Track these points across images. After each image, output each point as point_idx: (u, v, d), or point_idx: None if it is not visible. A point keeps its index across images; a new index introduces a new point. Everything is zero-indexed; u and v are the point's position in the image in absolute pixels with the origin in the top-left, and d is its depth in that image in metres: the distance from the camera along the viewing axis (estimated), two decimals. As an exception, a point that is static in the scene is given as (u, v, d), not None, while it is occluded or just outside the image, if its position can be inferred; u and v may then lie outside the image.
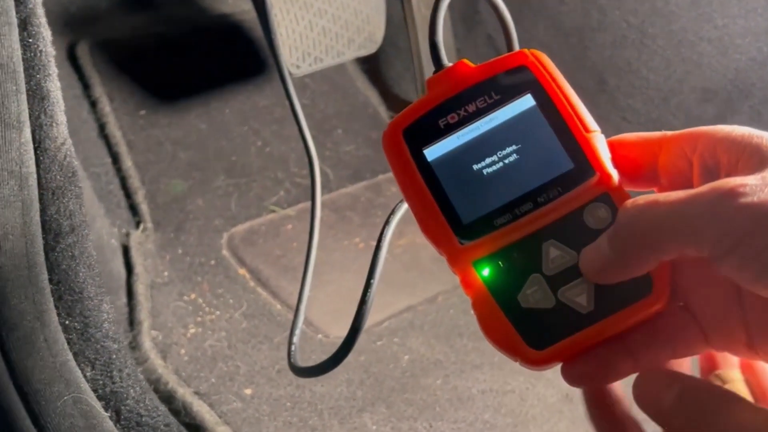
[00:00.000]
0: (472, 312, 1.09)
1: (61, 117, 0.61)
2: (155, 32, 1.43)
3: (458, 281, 0.38)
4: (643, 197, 0.33)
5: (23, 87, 0.57)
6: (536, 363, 0.36)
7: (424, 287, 1.22)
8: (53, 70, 0.60)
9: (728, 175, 0.33)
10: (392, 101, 1.57)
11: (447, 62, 0.41)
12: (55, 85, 0.60)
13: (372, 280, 0.50)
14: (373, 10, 1.31)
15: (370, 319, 1.14)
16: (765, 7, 1.20)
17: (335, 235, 1.31)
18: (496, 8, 0.46)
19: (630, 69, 1.31)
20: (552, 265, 0.37)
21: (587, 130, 0.38)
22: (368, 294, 0.50)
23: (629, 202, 0.33)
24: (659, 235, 0.32)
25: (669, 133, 0.37)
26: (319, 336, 1.12)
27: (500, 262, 0.37)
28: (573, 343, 0.36)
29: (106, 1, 1.43)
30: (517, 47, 0.48)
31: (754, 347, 0.35)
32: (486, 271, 0.37)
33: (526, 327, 0.36)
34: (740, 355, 0.36)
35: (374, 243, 0.49)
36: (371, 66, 1.59)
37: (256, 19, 1.46)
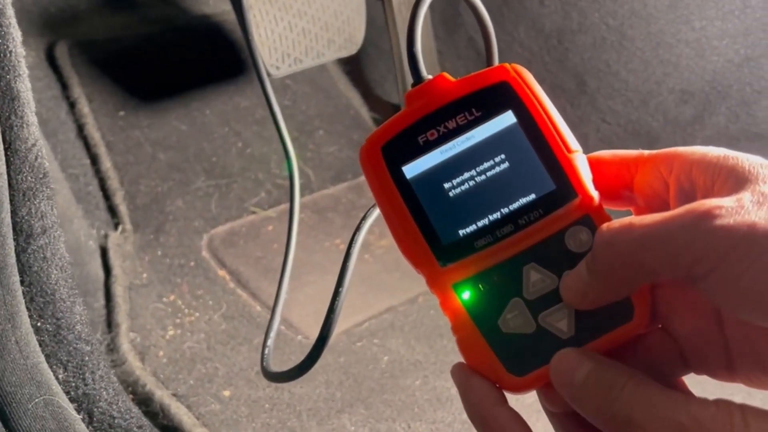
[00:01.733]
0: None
1: (32, 118, 0.61)
2: (135, 33, 1.43)
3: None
4: (619, 221, 0.33)
5: (-7, 87, 0.56)
6: (516, 389, 0.36)
7: (404, 288, 1.22)
8: (23, 70, 0.59)
9: (704, 197, 0.33)
10: (374, 103, 1.57)
11: (426, 75, 0.39)
12: (25, 86, 0.60)
13: (341, 288, 0.49)
14: (354, 11, 1.31)
15: (350, 320, 1.15)
16: (741, 9, 1.21)
17: (316, 236, 1.31)
18: (478, 15, 0.45)
19: (609, 71, 1.32)
20: (533, 290, 0.36)
21: (569, 150, 0.37)
22: (337, 302, 0.49)
23: (605, 226, 0.33)
24: (636, 259, 0.32)
25: (645, 152, 0.37)
26: (299, 337, 1.12)
27: (480, 286, 0.36)
28: None
29: (86, 2, 1.43)
30: (497, 59, 0.47)
31: (734, 370, 0.35)
32: (466, 295, 0.36)
33: (506, 352, 0.36)
34: (720, 378, 0.36)
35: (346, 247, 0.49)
36: (353, 67, 1.59)
37: (235, 21, 1.46)
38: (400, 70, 1.45)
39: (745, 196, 0.31)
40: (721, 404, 0.29)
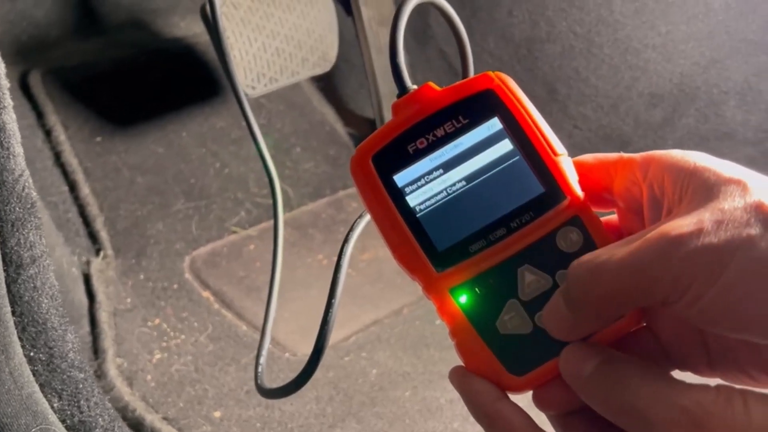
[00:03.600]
0: (437, 322, 1.11)
1: (18, 149, 0.61)
2: (108, 58, 1.43)
3: (423, 293, 0.39)
4: (588, 256, 0.33)
5: (-22, 120, 0.57)
6: (518, 389, 0.37)
7: (389, 300, 1.23)
8: (8, 102, 0.60)
9: (670, 209, 0.34)
10: (349, 118, 1.58)
11: (411, 85, 0.40)
12: (10, 117, 0.60)
13: (333, 300, 0.49)
14: (326, 29, 1.32)
15: (337, 335, 1.15)
16: (705, 13, 1.24)
17: (298, 253, 1.31)
18: (453, 26, 0.46)
19: (579, 77, 1.35)
20: (528, 290, 0.37)
21: (555, 154, 0.38)
22: (330, 314, 0.50)
23: (576, 262, 0.34)
24: (609, 295, 0.33)
25: (625, 156, 0.38)
26: (287, 355, 1.13)
27: (477, 289, 0.37)
28: (552, 367, 0.36)
29: (57, 29, 1.43)
30: (472, 68, 0.48)
31: (713, 367, 0.36)
32: (463, 299, 0.37)
33: (506, 353, 0.36)
34: (702, 375, 0.37)
35: (336, 259, 0.49)
36: (326, 84, 1.60)
37: (208, 42, 1.47)
38: (373, 84, 1.47)
39: (705, 217, 0.31)
40: (722, 389, 0.30)
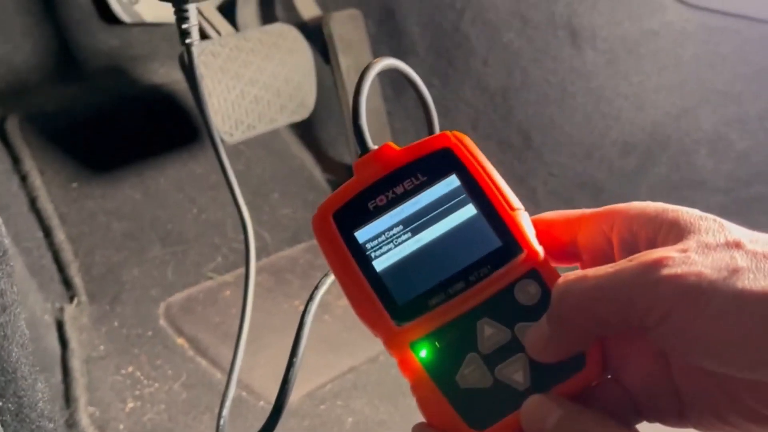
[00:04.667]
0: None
1: (-9, 196, 0.61)
2: (86, 103, 1.43)
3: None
4: (574, 273, 0.34)
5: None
6: None
7: (365, 347, 1.22)
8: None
9: (648, 249, 0.34)
10: (327, 163, 1.59)
11: (372, 145, 0.41)
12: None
13: (294, 359, 0.48)
14: (304, 77, 1.34)
15: (313, 383, 1.14)
16: (675, 64, 1.27)
17: (274, 299, 1.31)
18: (416, 89, 0.46)
19: (553, 125, 1.37)
20: (488, 344, 0.37)
21: (512, 208, 0.38)
22: (291, 372, 0.49)
23: (561, 279, 0.34)
24: (589, 309, 0.33)
25: (587, 211, 0.38)
26: (261, 403, 1.11)
27: (437, 343, 0.37)
28: (513, 421, 0.35)
29: (35, 75, 1.43)
30: (437, 125, 0.49)
31: (685, 416, 0.36)
32: (423, 353, 0.37)
33: (467, 407, 0.36)
34: (672, 425, 0.37)
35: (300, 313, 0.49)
36: (305, 130, 1.61)
37: (187, 89, 1.48)
38: (352, 131, 1.48)
39: (690, 246, 0.32)
40: None
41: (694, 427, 0.36)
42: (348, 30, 1.45)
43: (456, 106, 1.43)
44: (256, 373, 1.14)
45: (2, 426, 0.62)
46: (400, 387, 1.14)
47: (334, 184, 1.56)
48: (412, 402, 1.10)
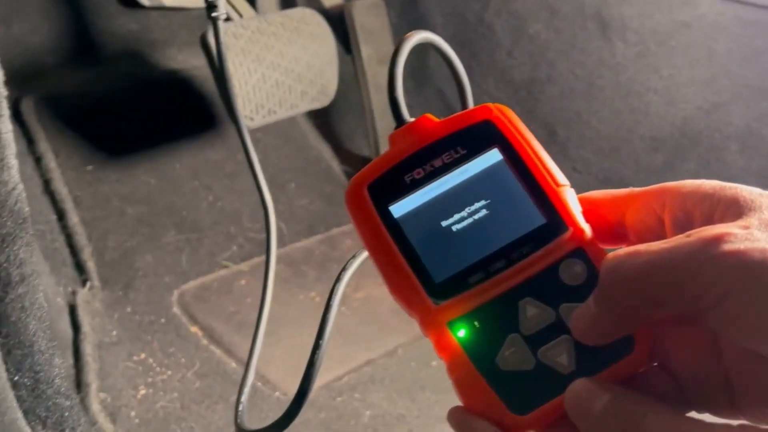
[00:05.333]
0: (434, 364, 1.07)
1: (13, 161, 0.58)
2: (102, 88, 1.41)
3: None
4: (624, 249, 0.32)
5: (-27, 127, 0.54)
6: (520, 429, 0.34)
7: (383, 340, 1.19)
8: (5, 110, 0.57)
9: (704, 226, 0.32)
10: (344, 156, 1.57)
11: (408, 117, 0.39)
12: (6, 127, 0.57)
13: (321, 341, 0.47)
14: (326, 63, 1.31)
15: (329, 375, 1.11)
16: (708, 57, 1.24)
17: (290, 290, 1.28)
18: (451, 65, 0.45)
19: (580, 120, 1.34)
20: (530, 324, 0.35)
21: (557, 184, 0.37)
22: (317, 355, 0.47)
23: (610, 255, 0.32)
24: (641, 287, 0.31)
25: (636, 189, 0.37)
26: (277, 394, 1.09)
27: (476, 323, 0.35)
28: (557, 406, 0.34)
29: (51, 57, 1.41)
30: (471, 102, 0.47)
31: (737, 407, 0.34)
32: (462, 333, 0.35)
33: (507, 391, 0.34)
34: (722, 416, 0.34)
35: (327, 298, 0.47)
36: (323, 121, 1.58)
37: (205, 75, 1.46)
38: (371, 122, 1.46)
39: (752, 222, 0.30)
40: (748, 429, 0.28)
41: (746, 418, 0.34)
42: (370, 19, 1.43)
43: (479, 100, 1.39)
44: (272, 364, 1.12)
45: (18, 401, 0.59)
46: (419, 381, 1.11)
47: (351, 176, 1.54)
48: (431, 396, 1.07)
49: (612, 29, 1.28)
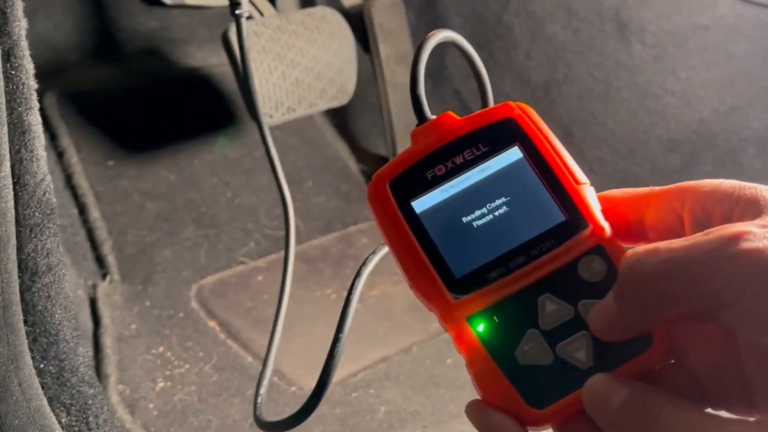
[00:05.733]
0: (448, 362, 1.08)
1: (42, 152, 0.60)
2: (124, 84, 1.42)
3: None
4: (644, 246, 0.32)
5: (5, 119, 0.55)
6: (538, 423, 0.35)
7: (398, 337, 1.20)
8: (35, 103, 0.58)
9: (723, 225, 0.33)
10: (361, 154, 1.58)
11: (430, 114, 0.40)
12: (36, 119, 0.59)
13: (341, 335, 0.48)
14: (345, 62, 1.32)
15: (344, 371, 1.12)
16: (726, 60, 1.24)
17: (307, 287, 1.29)
18: (472, 63, 0.46)
19: (596, 121, 1.34)
20: (549, 320, 0.36)
21: (577, 182, 0.37)
22: (336, 348, 0.48)
23: (630, 252, 0.33)
24: (660, 284, 0.31)
25: (656, 189, 0.37)
26: (293, 388, 1.10)
27: (495, 318, 0.36)
28: (574, 400, 0.34)
29: (74, 54, 1.43)
30: (492, 100, 0.47)
31: (754, 404, 0.34)
32: (481, 327, 0.36)
33: (526, 385, 0.35)
34: (739, 413, 0.35)
35: (346, 294, 0.48)
36: (341, 120, 1.60)
37: (224, 73, 1.47)
38: (388, 121, 1.46)
39: None
40: (764, 424, 0.28)
41: (762, 415, 0.34)
42: (389, 18, 1.43)
43: (497, 100, 1.40)
44: (288, 360, 1.13)
45: (42, 388, 0.60)
46: (433, 378, 1.12)
47: (368, 176, 1.55)
48: (445, 393, 1.08)
49: (630, 31, 1.28)
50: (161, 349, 1.13)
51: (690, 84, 1.26)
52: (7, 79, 0.55)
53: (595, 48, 1.32)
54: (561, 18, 1.34)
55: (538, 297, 0.36)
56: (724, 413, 0.36)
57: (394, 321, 1.24)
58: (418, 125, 0.40)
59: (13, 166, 0.57)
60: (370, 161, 1.57)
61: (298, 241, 1.37)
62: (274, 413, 1.07)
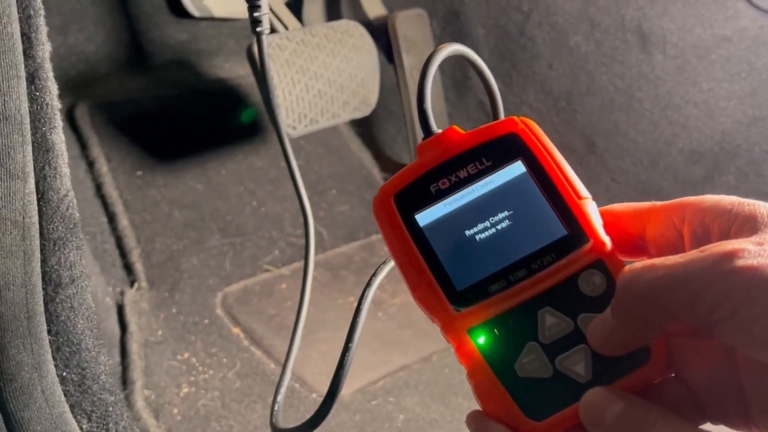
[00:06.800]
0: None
1: (65, 169, 0.62)
2: (153, 95, 1.46)
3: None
4: (641, 262, 0.33)
5: (29, 138, 0.58)
6: None
7: (418, 346, 1.22)
8: (58, 122, 0.61)
9: (721, 241, 0.34)
10: (385, 163, 1.59)
11: (436, 129, 0.40)
12: (59, 138, 0.61)
13: (350, 344, 0.49)
14: (368, 74, 1.34)
15: (365, 378, 1.14)
16: (748, 71, 1.24)
17: (329, 294, 1.31)
18: (482, 76, 0.47)
19: (618, 131, 1.34)
20: (548, 333, 0.36)
21: (579, 197, 0.38)
22: (346, 358, 0.49)
23: (627, 267, 0.33)
24: (656, 299, 0.32)
25: (657, 203, 0.38)
26: (314, 395, 1.12)
27: (496, 330, 0.37)
28: (572, 413, 0.35)
29: (105, 66, 1.46)
30: (502, 113, 0.48)
31: (751, 418, 0.35)
32: (482, 339, 0.36)
33: (524, 397, 0.36)
34: (737, 428, 0.35)
35: (356, 304, 0.48)
36: (365, 129, 1.61)
37: (251, 84, 1.50)
38: (412, 131, 1.48)
39: (766, 239, 0.31)
40: None
41: (760, 430, 0.35)
42: (413, 29, 1.45)
43: (519, 110, 1.41)
44: (309, 366, 1.15)
45: (65, 396, 0.63)
46: (452, 388, 1.13)
47: (392, 184, 1.56)
48: (464, 402, 1.09)
49: (652, 42, 1.28)
50: (186, 355, 1.15)
51: (712, 95, 1.26)
52: (32, 100, 0.58)
53: (617, 59, 1.32)
54: (583, 29, 1.35)
55: (538, 310, 0.37)
56: (722, 427, 0.37)
57: (415, 329, 1.25)
58: (423, 139, 0.41)
59: (37, 183, 0.60)
60: (393, 169, 1.59)
61: (322, 249, 1.39)
62: (294, 419, 1.09)
